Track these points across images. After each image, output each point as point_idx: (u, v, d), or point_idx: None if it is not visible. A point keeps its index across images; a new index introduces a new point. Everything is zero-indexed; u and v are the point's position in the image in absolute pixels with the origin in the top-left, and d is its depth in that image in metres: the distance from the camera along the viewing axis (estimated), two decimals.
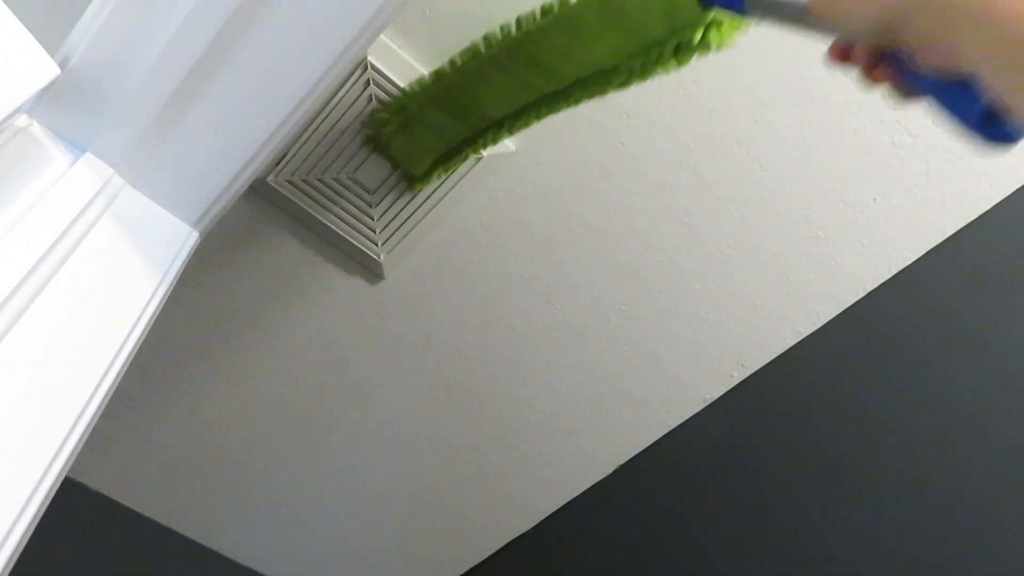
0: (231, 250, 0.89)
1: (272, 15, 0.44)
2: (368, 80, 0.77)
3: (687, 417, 1.02)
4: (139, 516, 1.14)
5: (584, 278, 0.92)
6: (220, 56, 0.45)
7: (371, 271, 0.91)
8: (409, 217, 0.86)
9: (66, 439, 0.36)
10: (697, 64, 0.78)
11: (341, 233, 0.86)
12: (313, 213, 0.85)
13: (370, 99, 0.78)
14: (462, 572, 1.21)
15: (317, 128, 0.80)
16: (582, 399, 1.02)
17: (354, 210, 0.85)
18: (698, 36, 0.53)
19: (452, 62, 0.70)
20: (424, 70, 0.78)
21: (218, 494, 1.13)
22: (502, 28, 0.64)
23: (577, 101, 0.64)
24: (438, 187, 0.84)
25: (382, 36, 0.76)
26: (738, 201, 0.85)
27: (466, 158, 0.76)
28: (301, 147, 0.81)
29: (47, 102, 0.45)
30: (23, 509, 0.32)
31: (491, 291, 0.93)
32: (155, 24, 0.43)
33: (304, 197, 0.84)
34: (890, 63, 0.36)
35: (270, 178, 0.82)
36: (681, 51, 0.55)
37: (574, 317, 0.95)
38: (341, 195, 0.84)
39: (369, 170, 0.83)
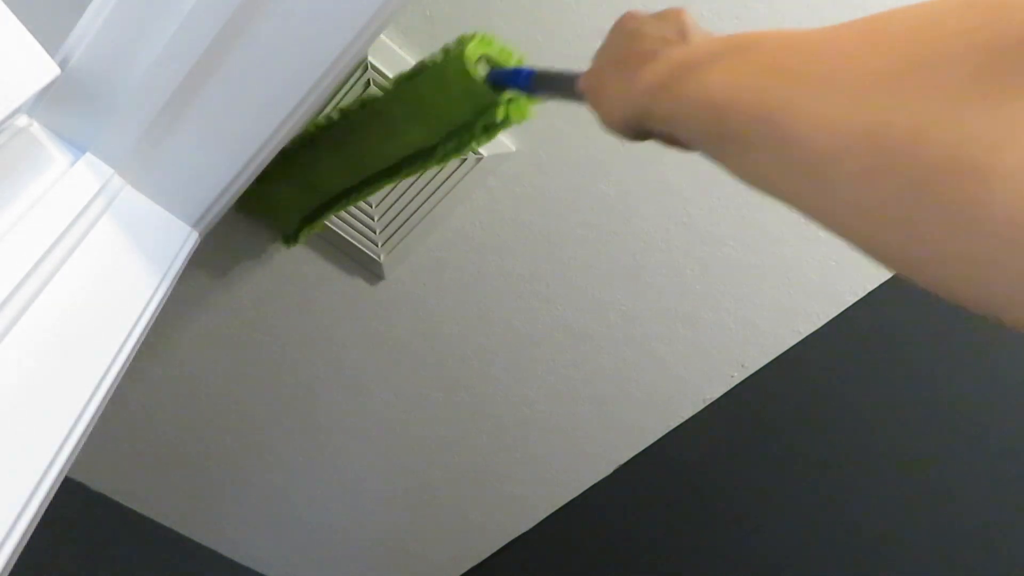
0: (232, 250, 0.89)
1: (272, 15, 0.44)
2: (368, 80, 0.77)
3: (687, 417, 1.02)
4: (139, 516, 1.14)
5: (584, 278, 0.92)
6: (220, 56, 0.44)
7: (371, 271, 0.91)
8: (409, 217, 0.86)
9: (66, 439, 0.36)
10: None
11: (341, 233, 0.86)
12: None
13: None
14: (462, 572, 1.21)
15: None
16: (582, 399, 1.02)
17: (354, 210, 0.85)
18: (500, 114, 0.61)
19: (292, 141, 0.76)
20: None
21: (218, 494, 1.13)
22: (326, 116, 0.72)
23: (408, 175, 0.71)
24: (438, 187, 0.84)
25: (382, 36, 0.76)
26: (738, 201, 0.85)
27: (328, 216, 0.82)
28: None
29: (47, 102, 0.45)
30: (23, 509, 0.32)
31: (491, 291, 0.93)
32: (155, 24, 0.43)
33: None
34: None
35: None
36: (489, 129, 0.62)
37: (574, 317, 0.95)
38: None
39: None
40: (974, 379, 0.92)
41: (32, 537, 0.34)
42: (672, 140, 0.37)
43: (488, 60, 0.61)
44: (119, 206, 0.48)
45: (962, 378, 0.92)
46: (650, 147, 0.85)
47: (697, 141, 0.32)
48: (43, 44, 0.42)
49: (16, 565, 0.32)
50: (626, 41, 0.42)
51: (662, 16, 0.43)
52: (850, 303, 0.91)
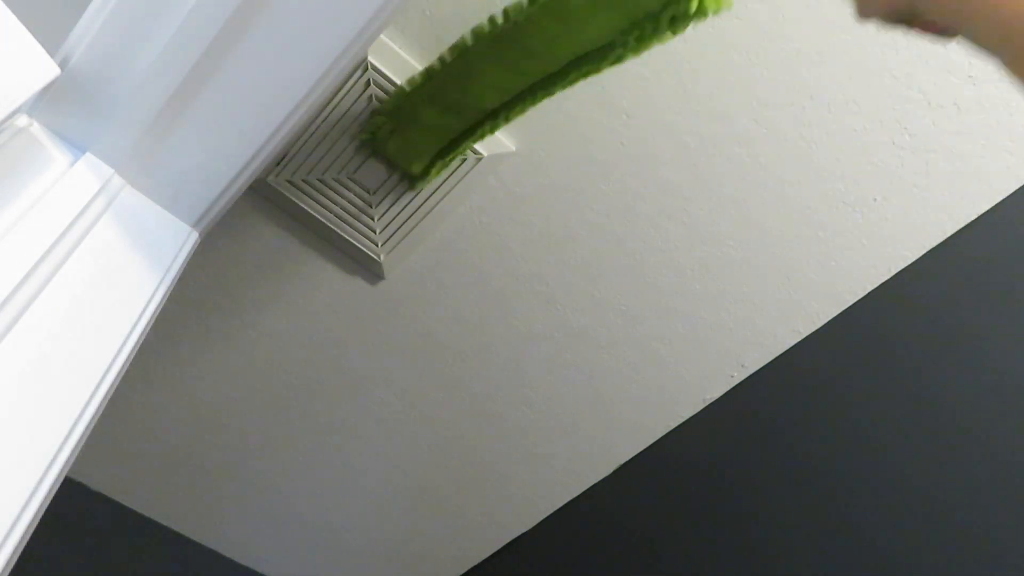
0: (231, 250, 0.89)
1: (272, 15, 0.44)
2: (368, 80, 0.77)
3: (687, 417, 1.02)
4: (139, 516, 1.14)
5: (584, 278, 0.92)
6: (220, 56, 0.44)
7: (371, 271, 0.91)
8: (409, 217, 0.86)
9: (66, 439, 0.36)
10: (697, 64, 0.78)
11: (341, 233, 0.86)
12: (313, 213, 0.85)
13: (370, 99, 0.78)
14: (462, 572, 1.21)
15: (317, 128, 0.80)
16: (582, 399, 1.02)
17: (354, 210, 0.85)
18: (694, 5, 0.52)
19: (442, 59, 0.70)
20: None
21: (218, 494, 1.13)
22: (490, 19, 0.64)
23: (572, 82, 0.63)
24: (438, 187, 0.84)
25: (382, 36, 0.76)
26: (738, 201, 0.85)
27: (465, 152, 0.76)
28: (301, 147, 0.81)
29: (47, 102, 0.45)
30: (23, 509, 0.32)
31: (491, 291, 0.93)
32: (155, 24, 0.43)
33: (304, 197, 0.84)
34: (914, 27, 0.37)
35: (270, 178, 0.82)
36: (677, 21, 0.54)
37: (574, 317, 0.95)
38: (341, 195, 0.84)
39: (369, 170, 0.83)
40: (974, 379, 0.92)
41: (32, 537, 0.34)
42: (937, 30, 0.33)
43: None
44: (119, 206, 0.48)
45: (962, 378, 0.92)
46: (650, 147, 0.85)
47: (1004, 51, 0.30)
48: (43, 44, 0.42)
49: (16, 565, 0.32)
50: None
51: None
52: (850, 303, 0.91)
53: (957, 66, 0.76)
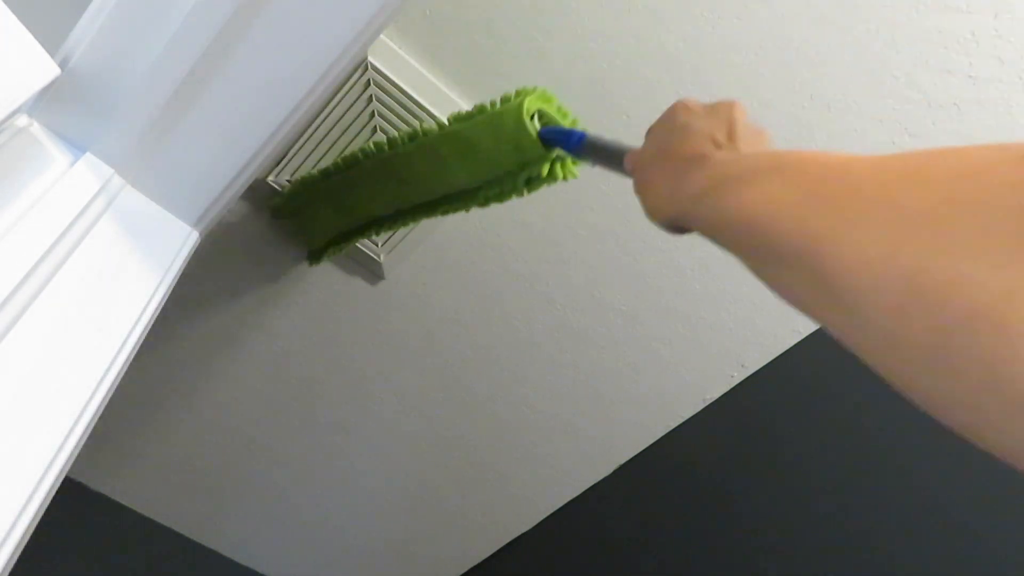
0: (231, 250, 0.89)
1: (271, 15, 0.44)
2: (368, 80, 0.77)
3: (687, 417, 1.02)
4: (139, 516, 1.14)
5: (584, 278, 0.92)
6: (220, 56, 0.44)
7: (371, 271, 0.91)
8: None
9: (66, 439, 0.36)
10: (697, 64, 0.78)
11: None
12: None
13: (370, 99, 0.78)
14: (463, 571, 1.21)
15: (317, 128, 0.80)
16: (582, 399, 1.02)
17: None
18: (545, 170, 0.62)
19: (336, 164, 0.77)
20: (424, 70, 0.78)
21: (218, 494, 1.13)
22: (376, 144, 0.72)
23: (444, 213, 0.72)
24: None
25: (382, 36, 0.76)
26: None
27: (354, 243, 0.83)
28: (301, 147, 0.81)
29: (47, 102, 0.45)
30: (23, 509, 0.32)
31: (491, 291, 0.93)
32: (155, 24, 0.43)
33: None
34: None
35: (270, 178, 0.82)
36: (532, 182, 0.63)
37: (575, 317, 0.95)
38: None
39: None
40: None
41: (32, 537, 0.34)
42: (708, 238, 0.37)
43: (543, 116, 0.62)
44: (119, 206, 0.48)
45: None
46: None
47: (734, 251, 0.33)
48: (43, 44, 0.42)
49: (16, 565, 0.32)
50: (676, 136, 0.43)
51: (713, 110, 0.43)
52: None
53: (957, 66, 0.76)
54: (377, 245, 0.88)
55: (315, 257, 0.87)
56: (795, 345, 0.95)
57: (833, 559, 1.04)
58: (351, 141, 0.81)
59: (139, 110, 0.46)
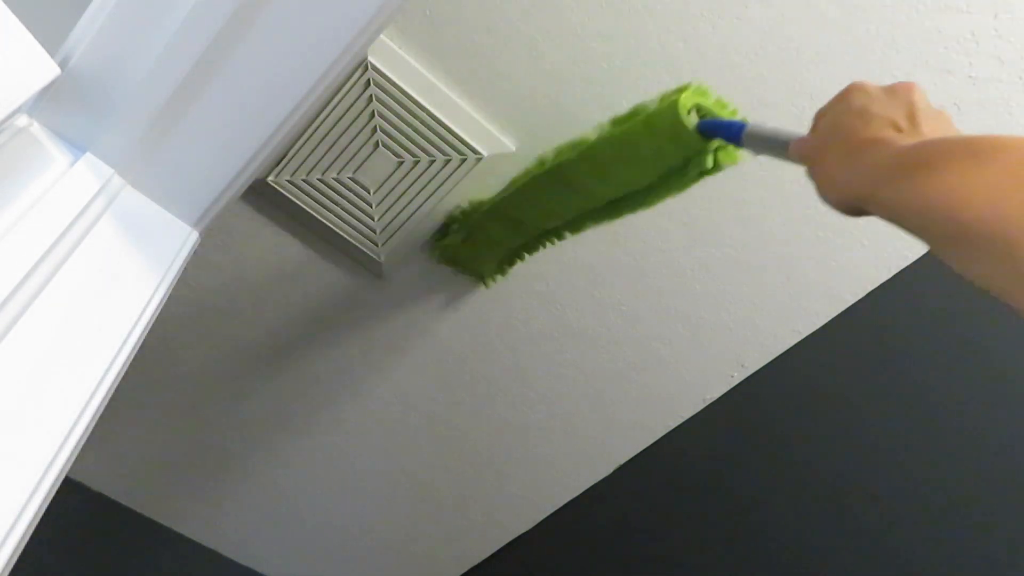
0: (231, 250, 0.89)
1: (272, 15, 0.44)
2: (368, 80, 0.77)
3: (687, 417, 1.02)
4: (139, 516, 1.14)
5: (584, 278, 0.92)
6: (220, 56, 0.44)
7: (371, 271, 0.91)
8: (409, 217, 0.86)
9: (66, 439, 0.36)
10: (696, 65, 0.78)
11: (341, 233, 0.86)
12: (313, 213, 0.85)
13: (370, 99, 0.78)
14: (463, 571, 1.21)
15: (317, 128, 0.80)
16: (582, 399, 1.02)
17: (354, 210, 0.85)
18: (710, 161, 0.62)
19: (504, 190, 0.80)
20: (424, 70, 0.78)
21: (218, 494, 1.13)
22: (539, 158, 0.76)
23: (618, 215, 0.73)
24: (438, 187, 0.84)
25: (382, 36, 0.76)
26: (738, 201, 0.85)
27: (526, 257, 0.86)
28: (301, 147, 0.81)
29: (47, 102, 0.45)
30: (23, 509, 0.32)
31: (490, 291, 0.93)
32: (155, 24, 0.43)
33: (304, 197, 0.84)
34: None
35: (270, 178, 0.82)
36: (701, 174, 0.64)
37: (574, 317, 0.95)
38: (341, 195, 0.84)
39: (369, 170, 0.83)
40: (974, 379, 0.92)
41: (32, 537, 0.34)
42: (892, 222, 0.37)
43: (700, 110, 0.63)
44: (119, 206, 0.48)
45: (962, 378, 0.92)
46: None
47: (920, 234, 0.33)
48: (43, 44, 0.42)
49: (16, 565, 0.32)
50: (854, 120, 0.42)
51: (892, 92, 0.43)
52: (850, 303, 0.91)
53: (957, 66, 0.76)
54: (377, 245, 0.88)
55: (490, 280, 0.89)
56: (795, 345, 0.95)
57: (833, 559, 1.04)
58: (351, 141, 0.81)
59: (139, 110, 0.46)
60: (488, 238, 0.83)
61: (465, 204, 0.85)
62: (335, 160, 0.82)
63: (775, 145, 0.53)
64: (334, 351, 0.98)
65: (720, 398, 1.00)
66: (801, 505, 1.03)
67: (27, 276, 0.38)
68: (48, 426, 0.36)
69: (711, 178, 0.84)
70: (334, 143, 0.81)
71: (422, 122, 0.79)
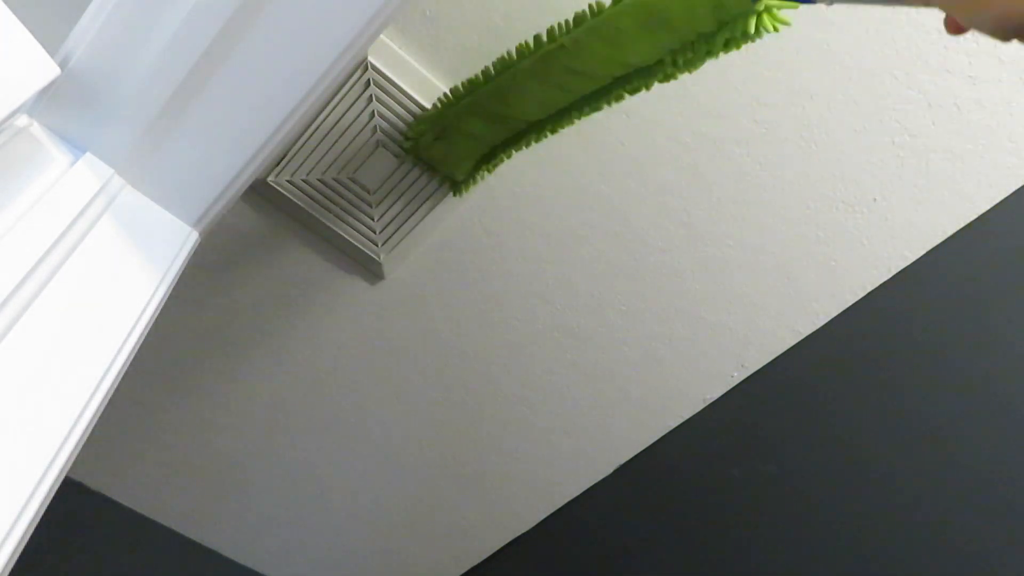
0: (231, 250, 0.89)
1: (272, 15, 0.44)
2: (368, 80, 0.77)
3: (687, 417, 1.02)
4: (139, 516, 1.14)
5: (584, 278, 0.92)
6: (220, 56, 0.44)
7: (371, 271, 0.91)
8: (409, 217, 0.86)
9: (66, 439, 0.36)
10: (699, 72, 0.78)
11: (341, 233, 0.86)
12: (313, 213, 0.85)
13: (370, 99, 0.78)
14: (462, 572, 1.21)
15: (317, 128, 0.80)
16: (582, 399, 1.02)
17: (354, 210, 0.85)
18: (753, 26, 0.52)
19: (485, 72, 0.70)
20: (424, 70, 0.78)
21: (218, 494, 1.13)
22: (535, 38, 0.64)
23: (619, 98, 0.63)
24: (438, 188, 0.84)
25: (382, 36, 0.76)
26: (738, 201, 0.85)
27: (509, 157, 0.76)
28: (301, 147, 0.81)
29: (47, 102, 0.45)
30: (23, 509, 0.32)
31: (491, 291, 0.93)
32: (155, 24, 0.43)
33: (304, 197, 0.84)
34: None
35: (270, 178, 0.82)
36: (731, 43, 0.54)
37: (574, 317, 0.95)
38: (341, 195, 0.84)
39: (369, 170, 0.83)
40: (974, 378, 0.92)
41: (32, 537, 0.34)
42: None
43: None
44: (119, 206, 0.48)
45: (962, 377, 0.92)
46: (650, 147, 0.85)
47: None
48: (43, 44, 0.42)
49: (16, 565, 0.32)
50: None
51: None
52: (850, 303, 0.91)
53: (957, 66, 0.76)
54: (377, 245, 0.88)
55: (461, 186, 0.80)
56: (795, 345, 0.95)
57: (834, 559, 1.04)
58: (351, 141, 0.81)
59: (139, 110, 0.46)
60: (466, 134, 0.73)
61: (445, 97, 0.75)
62: (335, 160, 0.82)
63: None
64: (334, 351, 0.98)
65: (720, 398, 1.00)
66: (801, 505, 1.03)
67: (27, 276, 0.38)
68: (48, 426, 0.36)
69: (711, 178, 0.84)
70: (334, 143, 0.81)
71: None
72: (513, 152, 0.75)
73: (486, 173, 0.78)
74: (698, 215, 0.86)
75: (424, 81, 0.78)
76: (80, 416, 0.37)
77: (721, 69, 0.77)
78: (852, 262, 0.88)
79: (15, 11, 0.41)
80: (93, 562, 1.09)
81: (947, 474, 0.96)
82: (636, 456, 1.06)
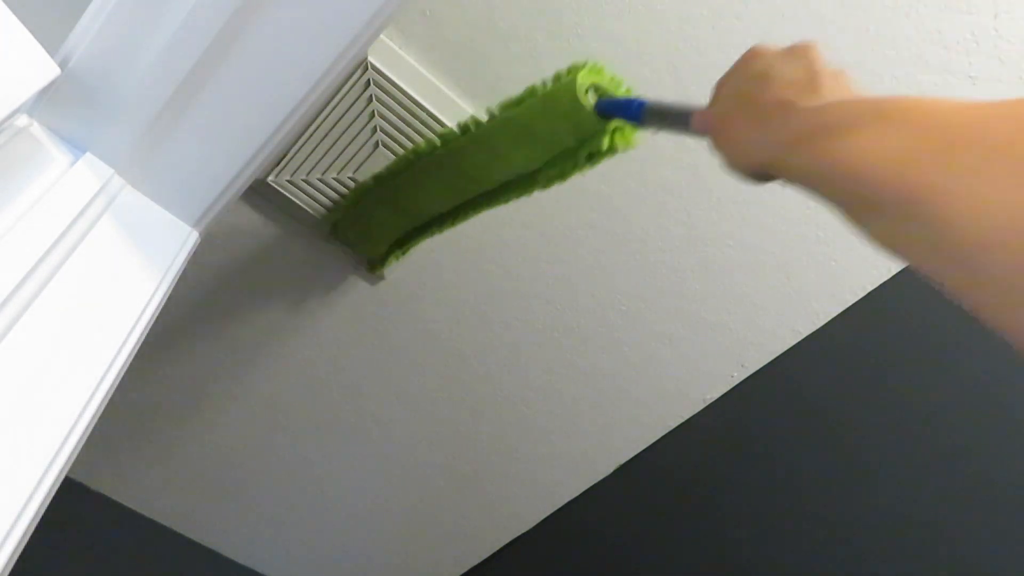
0: (231, 250, 0.89)
1: (272, 15, 0.44)
2: (368, 80, 0.77)
3: (687, 417, 1.02)
4: (139, 516, 1.14)
5: (584, 278, 0.92)
6: (220, 56, 0.44)
7: (371, 271, 0.91)
8: None
9: (66, 439, 0.36)
10: (697, 64, 0.78)
11: None
12: (313, 213, 0.85)
13: (370, 99, 0.78)
14: (462, 572, 1.21)
15: (317, 128, 0.80)
16: (582, 399, 1.02)
17: None
18: (605, 143, 0.60)
19: (389, 167, 0.78)
20: (424, 70, 0.78)
21: (218, 494, 1.13)
22: (428, 143, 0.73)
23: (507, 200, 0.71)
24: None
25: (382, 36, 0.76)
26: (738, 201, 0.85)
27: (418, 243, 0.83)
28: (301, 147, 0.81)
29: (47, 102, 0.45)
30: (23, 509, 0.32)
31: (491, 291, 0.93)
32: (155, 24, 0.43)
33: (304, 197, 0.84)
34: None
35: (270, 178, 0.82)
36: (593, 157, 0.62)
37: (574, 317, 0.95)
38: (341, 195, 0.84)
39: (369, 170, 0.83)
40: (974, 378, 0.92)
41: (32, 537, 0.34)
42: (800, 188, 0.36)
43: (597, 89, 0.61)
44: (119, 206, 0.48)
45: (962, 377, 0.92)
46: (650, 147, 0.85)
47: (830, 199, 0.32)
48: (43, 44, 0.42)
49: (16, 565, 0.32)
50: (755, 84, 0.41)
51: (792, 53, 0.41)
52: (850, 303, 0.91)
53: (957, 66, 0.76)
54: None
55: (377, 265, 0.87)
56: (795, 345, 0.95)
57: (834, 558, 1.04)
58: (351, 141, 0.81)
59: (139, 110, 0.46)
60: (378, 222, 0.81)
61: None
62: (335, 160, 0.82)
63: (677, 120, 0.50)
64: (334, 351, 0.98)
65: (720, 398, 1.00)
66: (801, 505, 1.03)
67: (27, 276, 0.38)
68: (48, 426, 0.36)
69: (711, 178, 0.84)
70: (334, 143, 0.81)
71: (422, 122, 0.79)
72: (423, 239, 0.81)
73: (398, 257, 0.85)
74: (698, 215, 0.86)
75: (424, 81, 0.78)
76: (80, 416, 0.38)
77: (721, 69, 0.77)
78: (852, 262, 0.88)
79: (15, 11, 0.41)
80: (93, 562, 1.09)
81: (947, 473, 0.96)
82: (636, 456, 1.06)
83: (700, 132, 0.47)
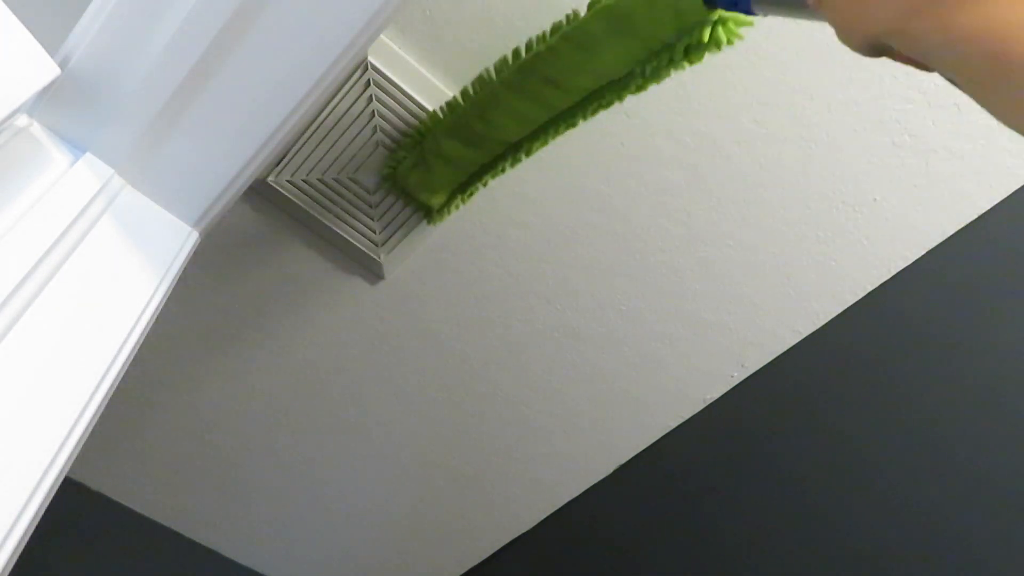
0: (231, 250, 0.89)
1: (272, 15, 0.44)
2: (368, 80, 0.77)
3: (687, 417, 1.02)
4: (139, 516, 1.14)
5: (584, 278, 0.92)
6: (220, 56, 0.44)
7: (371, 271, 0.91)
8: (409, 217, 0.86)
9: (66, 439, 0.36)
10: (696, 64, 0.78)
11: (341, 233, 0.86)
12: (313, 213, 0.85)
13: (370, 99, 0.78)
14: (462, 572, 1.21)
15: (317, 128, 0.80)
16: (582, 399, 1.02)
17: (354, 210, 0.85)
18: (707, 35, 0.55)
19: (464, 92, 0.73)
20: (424, 70, 0.78)
21: (218, 494, 1.13)
22: (514, 52, 0.66)
23: (593, 112, 0.66)
24: None
25: (382, 36, 0.76)
26: (738, 201, 0.85)
27: (484, 185, 0.78)
28: (301, 147, 0.81)
29: (47, 102, 0.45)
30: (23, 509, 0.32)
31: (491, 291, 0.93)
32: (155, 24, 0.43)
33: (304, 197, 0.84)
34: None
35: (270, 178, 0.82)
36: (692, 52, 0.57)
37: (574, 317, 0.95)
38: (341, 195, 0.84)
39: (369, 170, 0.83)
40: (975, 377, 0.92)
41: (32, 537, 0.34)
42: (914, 61, 0.33)
43: None
44: (119, 206, 0.48)
45: (963, 377, 0.92)
46: (650, 147, 0.85)
47: (958, 74, 0.30)
48: (43, 44, 0.42)
49: (16, 565, 0.32)
50: None
51: None
52: (850, 303, 0.91)
53: None
54: (377, 245, 0.88)
55: (440, 212, 0.81)
56: (795, 345, 0.95)
57: (834, 558, 1.04)
58: (351, 141, 0.81)
59: (139, 110, 0.46)
60: (444, 159, 0.74)
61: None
62: (335, 160, 0.82)
63: (791, 0, 0.46)
64: (334, 351, 0.98)
65: (720, 398, 1.00)
66: (801, 505, 1.03)
67: (27, 276, 0.38)
68: (48, 426, 0.36)
69: (711, 178, 0.84)
70: (334, 143, 0.81)
71: (422, 122, 0.79)
72: (488, 180, 0.76)
73: (461, 203, 0.80)
74: (698, 215, 0.86)
75: (424, 81, 0.78)
76: (80, 416, 0.38)
77: (721, 69, 0.77)
78: (852, 262, 0.88)
79: (15, 11, 0.41)
80: (93, 562, 1.09)
81: (947, 474, 0.96)
82: (636, 456, 1.06)
83: (816, 5, 0.43)
